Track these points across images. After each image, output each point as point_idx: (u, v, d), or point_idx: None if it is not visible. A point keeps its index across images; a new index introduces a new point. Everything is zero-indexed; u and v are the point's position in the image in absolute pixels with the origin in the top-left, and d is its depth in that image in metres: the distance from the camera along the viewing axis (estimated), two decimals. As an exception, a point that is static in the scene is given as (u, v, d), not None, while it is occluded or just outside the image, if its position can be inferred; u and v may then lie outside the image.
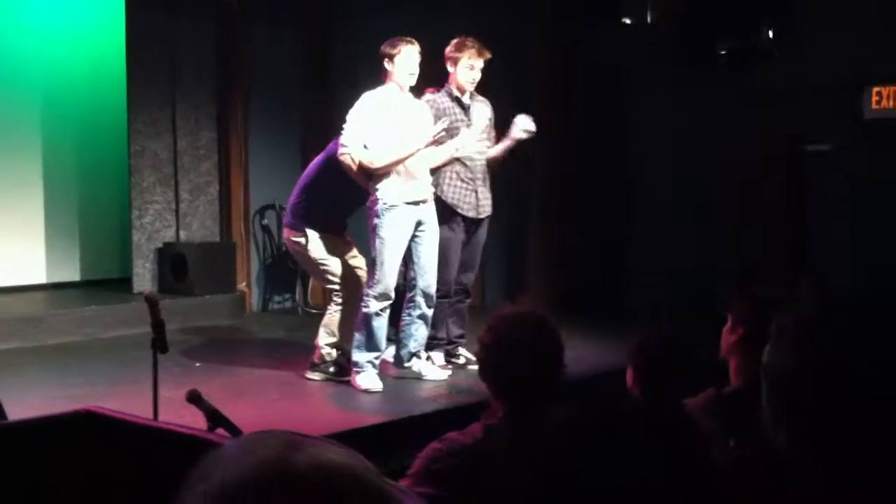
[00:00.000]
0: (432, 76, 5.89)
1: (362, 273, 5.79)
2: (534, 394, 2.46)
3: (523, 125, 5.99)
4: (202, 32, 8.46)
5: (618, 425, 1.50)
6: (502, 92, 6.52)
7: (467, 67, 5.89)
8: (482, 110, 6.08)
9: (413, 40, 5.56)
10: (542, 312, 2.61)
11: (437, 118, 5.77)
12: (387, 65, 5.55)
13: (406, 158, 5.49)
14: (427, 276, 5.68)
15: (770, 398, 1.35)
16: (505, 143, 6.06)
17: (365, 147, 5.51)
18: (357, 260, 5.86)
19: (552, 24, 8.10)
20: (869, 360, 1.28)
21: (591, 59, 7.96)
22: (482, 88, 6.08)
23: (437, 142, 5.59)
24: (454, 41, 5.93)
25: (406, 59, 5.52)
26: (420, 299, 5.68)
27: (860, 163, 7.02)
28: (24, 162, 8.42)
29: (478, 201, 6.04)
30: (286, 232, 5.98)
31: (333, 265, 5.80)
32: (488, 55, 5.90)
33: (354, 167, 5.54)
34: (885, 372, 1.27)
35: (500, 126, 6.14)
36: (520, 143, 6.07)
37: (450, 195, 5.94)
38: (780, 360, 1.34)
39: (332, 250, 5.81)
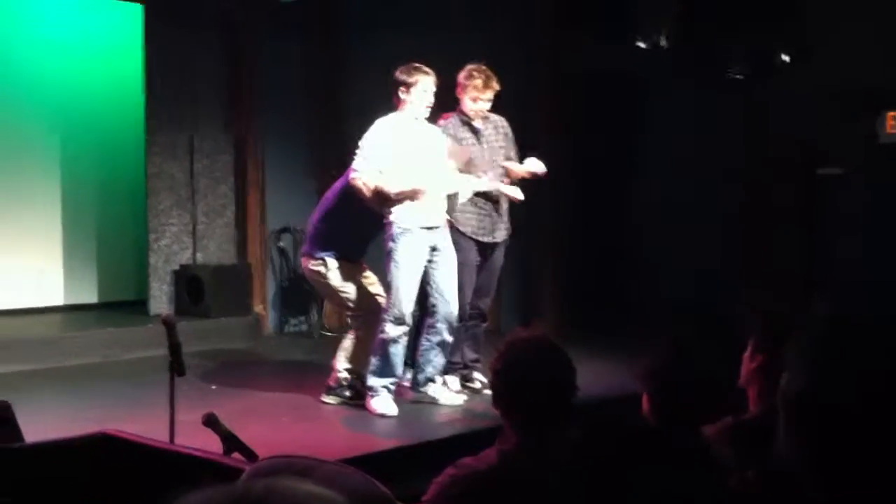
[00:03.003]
0: (444, 98, 5.89)
1: (381, 300, 5.76)
2: (547, 419, 2.45)
3: (532, 167, 6.02)
4: (219, 56, 8.52)
5: (633, 452, 1.50)
6: (511, 114, 6.53)
7: (473, 99, 5.92)
8: (496, 134, 6.09)
9: (429, 70, 5.55)
10: (550, 336, 2.60)
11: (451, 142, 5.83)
12: (402, 93, 5.54)
13: (421, 193, 5.50)
14: (449, 303, 5.65)
15: (787, 425, 1.34)
16: (517, 174, 6.08)
17: (379, 172, 5.51)
18: (375, 287, 5.84)
19: (559, 36, 8.11)
20: (883, 380, 1.27)
21: (601, 73, 7.97)
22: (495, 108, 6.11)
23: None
24: (465, 68, 5.93)
25: (422, 91, 5.51)
26: (441, 325, 5.67)
27: (874, 186, 7.01)
28: (42, 183, 8.48)
29: (493, 225, 6.04)
30: (304, 260, 5.94)
31: (352, 292, 5.79)
32: (496, 87, 5.90)
33: (367, 192, 5.54)
34: (886, 401, 1.26)
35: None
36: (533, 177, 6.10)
37: (462, 220, 5.95)
38: (794, 383, 1.33)
39: (350, 278, 5.80)
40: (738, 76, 7.42)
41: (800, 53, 7.22)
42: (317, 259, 5.80)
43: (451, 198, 5.85)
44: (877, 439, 1.26)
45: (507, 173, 6.08)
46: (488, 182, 5.96)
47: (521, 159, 6.14)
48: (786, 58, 7.26)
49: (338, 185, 5.94)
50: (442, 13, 7.94)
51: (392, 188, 5.50)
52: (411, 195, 5.49)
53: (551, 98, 8.10)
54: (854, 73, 6.94)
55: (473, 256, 6.00)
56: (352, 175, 5.59)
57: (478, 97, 5.89)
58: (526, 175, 6.06)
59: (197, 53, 8.37)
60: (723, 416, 2.92)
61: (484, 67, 5.93)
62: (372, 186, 5.51)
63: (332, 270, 5.77)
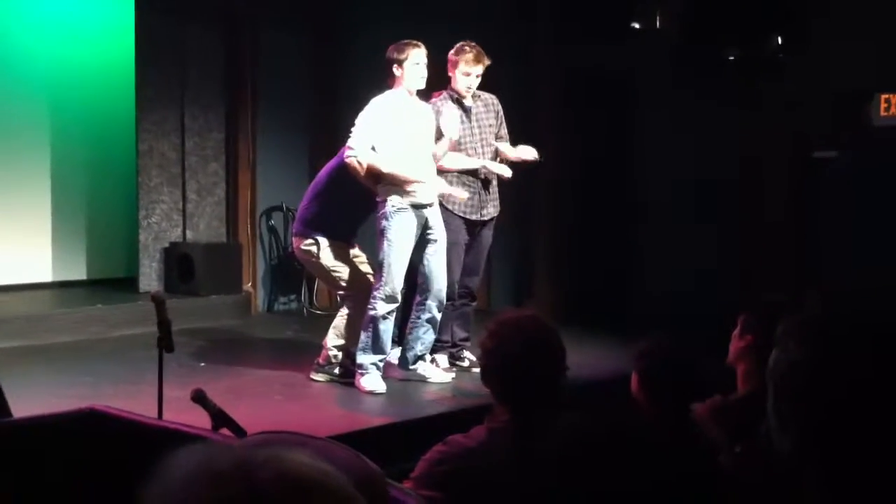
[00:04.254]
0: (436, 80, 5.89)
1: (372, 278, 5.77)
2: (536, 397, 2.46)
3: (523, 153, 6.02)
4: (210, 33, 8.47)
5: (623, 431, 1.50)
6: (509, 97, 6.52)
7: (463, 74, 5.90)
8: (486, 112, 6.09)
9: (419, 43, 5.57)
10: (541, 316, 2.60)
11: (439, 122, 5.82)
12: (395, 70, 5.55)
13: (413, 181, 5.51)
14: (438, 281, 5.68)
15: (774, 402, 1.34)
16: (506, 156, 6.08)
17: (373, 149, 5.52)
18: (366, 265, 5.84)
19: (558, 33, 8.10)
20: (871, 362, 1.27)
21: (598, 66, 7.95)
22: (487, 89, 6.09)
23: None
24: (455, 46, 5.94)
25: (415, 63, 5.53)
26: (431, 303, 5.68)
27: (868, 169, 7.01)
28: (32, 160, 8.43)
29: (481, 203, 6.04)
30: (296, 240, 5.93)
31: (344, 271, 5.79)
32: (486, 62, 5.89)
33: (361, 171, 5.54)
34: (886, 373, 1.26)
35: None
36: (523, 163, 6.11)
37: (451, 198, 5.94)
38: (784, 363, 1.34)
39: (342, 257, 5.79)
40: (731, 58, 7.39)
41: (795, 41, 7.20)
42: (308, 239, 5.79)
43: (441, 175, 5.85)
44: (866, 416, 1.26)
45: (497, 153, 6.08)
46: (476, 160, 5.96)
47: (514, 143, 6.15)
48: (779, 41, 7.25)
49: (330, 165, 5.93)
50: (441, 5, 7.91)
51: (384, 167, 5.49)
52: (402, 181, 5.50)
53: (550, 90, 8.10)
54: (849, 61, 6.93)
55: (462, 235, 6.00)
56: (346, 153, 5.58)
57: (469, 71, 5.87)
58: (516, 160, 6.07)
59: (188, 31, 8.31)
60: (710, 395, 2.94)
61: (473, 43, 5.92)
62: (366, 165, 5.51)
63: (323, 250, 5.76)
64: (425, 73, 5.58)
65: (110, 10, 8.63)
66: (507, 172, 6.04)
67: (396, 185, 5.54)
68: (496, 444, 2.41)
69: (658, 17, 7.40)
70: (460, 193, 5.89)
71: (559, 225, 8.19)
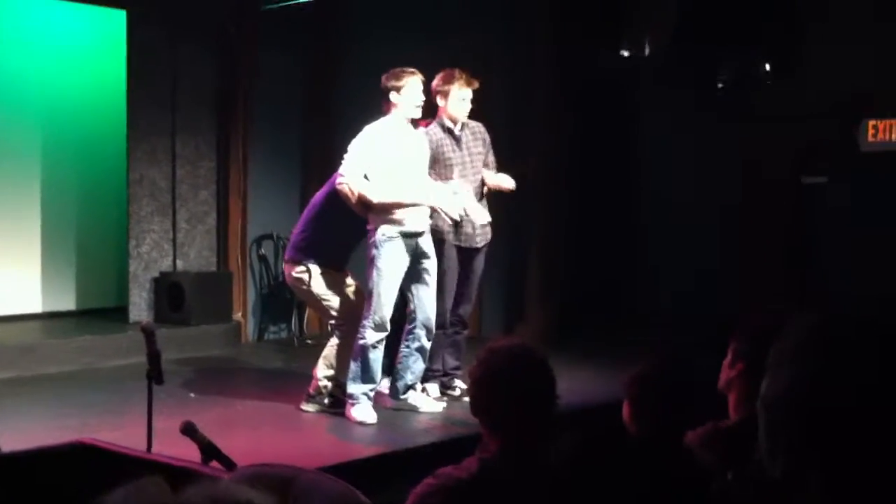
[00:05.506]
0: (425, 109, 5.90)
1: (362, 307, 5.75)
2: (527, 428, 2.44)
3: (502, 182, 6.03)
4: (202, 61, 8.49)
5: (615, 461, 1.50)
6: (503, 120, 6.55)
7: (459, 99, 5.92)
8: (474, 140, 6.10)
9: (416, 71, 5.58)
10: (531, 344, 2.59)
11: (431, 150, 5.85)
12: (392, 97, 5.56)
13: (406, 206, 5.51)
14: (427, 309, 5.67)
15: (767, 427, 1.33)
16: (487, 182, 6.10)
17: (365, 178, 5.52)
18: (357, 295, 5.83)
19: (554, 49, 8.12)
20: (864, 384, 1.26)
21: (591, 86, 7.99)
22: (477, 115, 6.11)
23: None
24: (441, 74, 5.95)
25: (412, 91, 5.54)
26: (420, 332, 5.67)
27: (856, 194, 7.05)
28: (22, 189, 8.42)
29: (473, 231, 6.04)
30: (287, 267, 5.91)
31: (335, 300, 5.77)
32: (476, 84, 5.93)
33: (353, 198, 5.54)
34: (880, 396, 1.26)
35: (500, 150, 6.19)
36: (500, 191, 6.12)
37: (443, 226, 5.94)
38: (775, 387, 1.33)
39: (333, 285, 5.77)
40: (723, 84, 7.45)
41: (784, 63, 7.25)
42: (300, 266, 5.77)
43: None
44: (863, 442, 1.25)
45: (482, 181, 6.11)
46: (462, 200, 5.89)
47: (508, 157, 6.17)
48: (768, 67, 7.30)
49: (322, 192, 5.93)
50: (434, 25, 7.95)
51: (374, 197, 5.49)
52: (391, 207, 5.50)
53: (547, 103, 8.12)
54: (837, 83, 6.98)
55: (454, 263, 6.00)
56: (338, 180, 5.58)
57: (463, 96, 5.90)
58: (494, 187, 6.09)
59: (180, 59, 8.33)
60: (703, 422, 2.92)
61: (459, 69, 5.94)
62: (357, 192, 5.51)
63: (314, 278, 5.75)
64: (421, 102, 5.59)
65: (102, 38, 8.65)
66: (504, 184, 6.02)
67: (388, 212, 5.54)
68: (487, 476, 2.40)
69: (647, 45, 7.44)
70: (480, 217, 5.87)
71: (550, 249, 8.19)
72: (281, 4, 7.90)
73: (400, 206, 5.53)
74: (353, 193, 5.53)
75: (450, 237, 5.97)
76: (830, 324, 1.35)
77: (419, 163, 5.73)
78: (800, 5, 7.30)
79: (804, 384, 1.30)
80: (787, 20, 7.31)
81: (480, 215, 5.92)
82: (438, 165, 5.91)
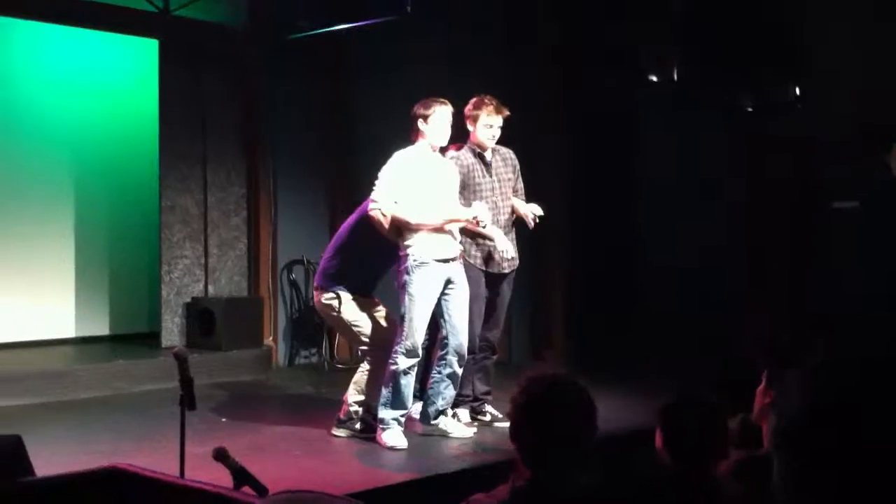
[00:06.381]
0: (454, 136, 5.94)
1: (393, 333, 5.76)
2: (564, 456, 2.43)
3: (532, 209, 6.03)
4: (231, 89, 8.58)
5: (647, 493, 1.49)
6: (516, 145, 6.57)
7: (486, 126, 5.95)
8: (504, 166, 6.12)
9: (446, 101, 5.64)
10: (573, 377, 2.58)
11: (462, 175, 5.87)
12: (420, 125, 5.60)
13: (440, 225, 5.55)
14: (459, 336, 5.66)
15: (777, 462, 1.32)
16: (517, 210, 6.11)
17: (396, 203, 5.55)
18: (388, 320, 5.82)
19: (565, 73, 8.16)
20: (877, 414, 1.25)
21: (604, 106, 8.00)
22: (502, 140, 6.14)
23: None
24: (473, 100, 5.99)
25: (440, 120, 5.58)
26: (452, 358, 5.66)
27: (886, 219, 6.99)
28: (56, 216, 8.53)
29: (501, 256, 6.04)
30: (317, 294, 5.91)
31: (366, 326, 5.77)
32: (506, 112, 5.96)
33: (385, 223, 5.57)
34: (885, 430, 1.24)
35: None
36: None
37: (472, 251, 5.95)
38: (787, 417, 1.31)
39: (363, 311, 5.77)
40: (747, 108, 7.44)
41: (808, 87, 7.24)
42: (330, 293, 5.79)
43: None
44: (875, 476, 1.23)
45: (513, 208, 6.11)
46: (490, 229, 5.91)
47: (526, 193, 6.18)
48: (797, 91, 7.28)
49: (351, 219, 5.95)
50: (448, 50, 8.01)
51: (412, 218, 5.52)
52: (427, 228, 5.53)
53: (554, 128, 8.15)
54: (864, 107, 6.95)
55: (483, 288, 6.00)
56: (370, 206, 5.61)
57: (491, 123, 5.93)
58: (524, 216, 6.08)
59: (210, 88, 8.43)
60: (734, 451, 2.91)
61: (491, 96, 5.98)
62: (390, 217, 5.54)
63: (345, 304, 5.77)
64: (449, 131, 5.63)
65: (133, 67, 8.78)
66: (536, 211, 6.02)
67: (420, 238, 5.55)
68: (519, 503, 2.39)
69: (663, 68, 7.44)
70: (504, 247, 5.88)
71: (573, 274, 8.18)
72: (305, 34, 7.98)
73: (436, 226, 5.54)
74: (385, 219, 5.56)
75: (478, 262, 5.98)
76: (837, 360, 1.33)
77: (450, 189, 5.76)
78: (830, 30, 7.28)
79: (812, 418, 1.28)
80: (816, 43, 7.30)
81: (504, 245, 5.92)
82: (468, 191, 5.93)
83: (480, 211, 5.62)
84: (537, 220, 6.04)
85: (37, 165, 8.36)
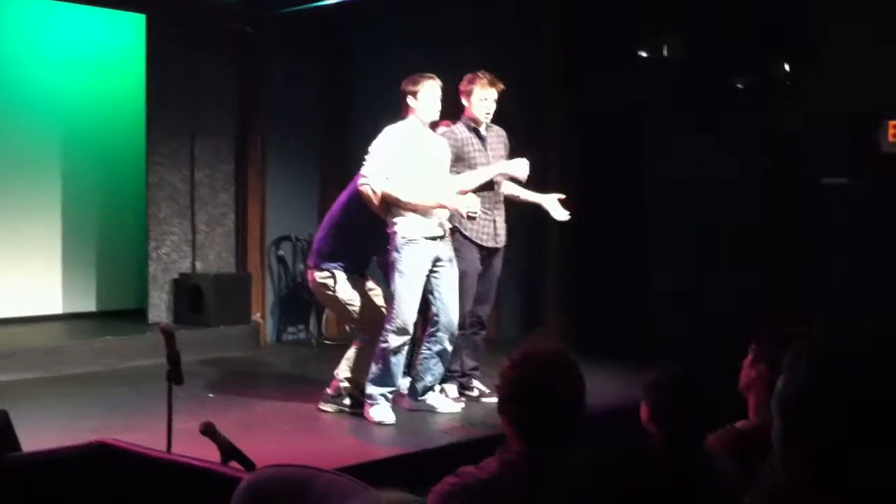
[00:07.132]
0: (448, 112, 5.91)
1: (385, 311, 5.74)
2: (553, 430, 2.43)
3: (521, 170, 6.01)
4: (221, 65, 8.53)
5: (637, 468, 1.49)
6: (518, 130, 6.54)
7: (481, 99, 5.92)
8: (498, 143, 6.11)
9: (434, 76, 5.60)
10: (565, 352, 2.57)
11: (456, 148, 5.83)
12: (410, 101, 5.57)
13: (430, 207, 5.52)
14: (450, 313, 5.65)
15: (780, 430, 1.31)
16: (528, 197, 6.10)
17: (387, 179, 5.52)
18: (380, 298, 5.79)
19: (566, 65, 8.13)
20: (882, 384, 1.24)
21: (606, 96, 7.98)
22: (498, 120, 6.11)
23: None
24: (467, 76, 5.97)
25: (429, 95, 5.55)
26: (442, 335, 5.66)
27: (877, 195, 7.00)
28: (43, 192, 8.48)
29: (495, 231, 6.04)
30: (311, 273, 5.88)
31: (359, 305, 5.75)
32: (501, 86, 5.93)
33: (375, 199, 5.54)
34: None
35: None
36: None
37: (468, 225, 5.93)
38: (792, 387, 1.31)
39: (357, 290, 5.75)
40: (739, 86, 7.42)
41: (802, 65, 7.22)
42: (325, 272, 5.76)
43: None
44: (877, 447, 1.23)
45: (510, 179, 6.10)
46: (490, 169, 5.90)
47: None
48: (787, 68, 7.26)
49: (343, 197, 5.91)
50: (449, 33, 7.95)
51: (401, 196, 5.49)
52: (415, 207, 5.50)
53: (558, 114, 8.13)
54: (857, 83, 6.94)
55: (475, 264, 5.98)
56: (360, 181, 5.59)
57: (486, 96, 5.89)
58: (549, 207, 6.08)
59: (198, 64, 8.37)
60: (722, 423, 2.92)
61: (483, 70, 5.95)
62: (380, 193, 5.51)
63: (340, 283, 5.74)
64: (439, 106, 5.60)
65: (121, 43, 8.70)
66: (522, 171, 5.99)
67: (408, 215, 5.53)
68: (509, 476, 2.39)
69: (665, 46, 7.42)
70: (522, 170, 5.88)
71: (569, 250, 8.17)
72: (298, 8, 7.92)
73: (424, 207, 5.53)
74: (375, 194, 5.53)
75: (474, 235, 5.95)
76: (842, 333, 1.32)
77: (440, 164, 5.73)
78: (819, 6, 7.26)
79: (816, 387, 1.27)
80: (806, 20, 7.28)
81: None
82: (461, 164, 5.90)
83: (472, 203, 5.57)
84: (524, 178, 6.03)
85: (24, 141, 8.30)
